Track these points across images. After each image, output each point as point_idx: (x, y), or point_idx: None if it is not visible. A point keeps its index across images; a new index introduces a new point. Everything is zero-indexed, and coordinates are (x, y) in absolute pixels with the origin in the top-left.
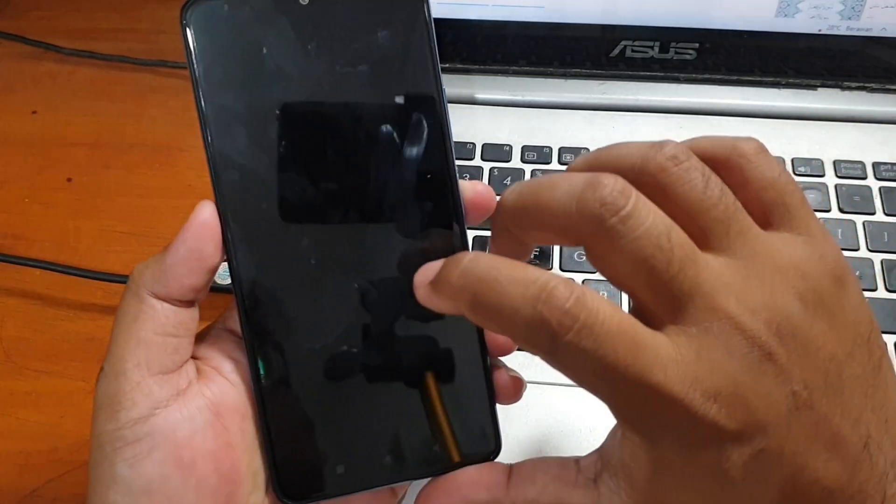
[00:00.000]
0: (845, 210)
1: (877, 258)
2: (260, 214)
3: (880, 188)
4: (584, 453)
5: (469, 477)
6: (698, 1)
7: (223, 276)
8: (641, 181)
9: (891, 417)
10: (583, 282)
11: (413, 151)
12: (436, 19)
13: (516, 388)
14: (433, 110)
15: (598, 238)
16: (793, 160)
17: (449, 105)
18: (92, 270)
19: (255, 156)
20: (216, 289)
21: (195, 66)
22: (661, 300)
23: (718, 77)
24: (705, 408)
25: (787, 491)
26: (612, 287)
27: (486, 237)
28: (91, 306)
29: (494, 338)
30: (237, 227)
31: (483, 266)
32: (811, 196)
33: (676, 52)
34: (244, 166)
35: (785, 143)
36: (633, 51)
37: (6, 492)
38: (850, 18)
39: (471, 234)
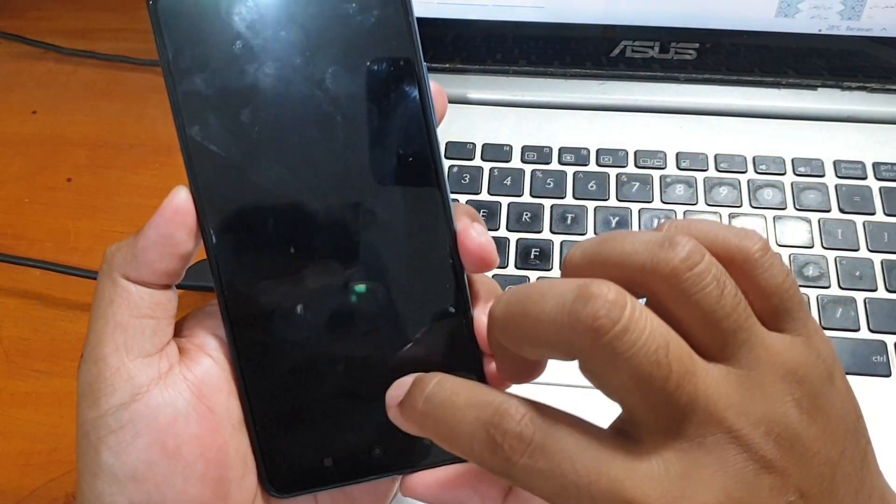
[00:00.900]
0: (845, 210)
1: (877, 258)
2: (236, 199)
3: (880, 188)
4: None
5: (456, 472)
6: (698, 1)
7: None
8: (649, 284)
9: None
10: None
11: (392, 132)
12: (436, 19)
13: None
14: (413, 89)
15: (591, 354)
16: (793, 160)
17: (448, 105)
18: (92, 270)
19: (228, 139)
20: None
21: (165, 49)
22: (655, 416)
23: (718, 77)
24: None
25: None
26: None
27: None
28: (91, 306)
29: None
30: (213, 214)
31: (446, 392)
32: (811, 196)
33: (676, 52)
34: (217, 151)
35: (785, 143)
36: (633, 51)
37: (6, 492)
38: (850, 18)
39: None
